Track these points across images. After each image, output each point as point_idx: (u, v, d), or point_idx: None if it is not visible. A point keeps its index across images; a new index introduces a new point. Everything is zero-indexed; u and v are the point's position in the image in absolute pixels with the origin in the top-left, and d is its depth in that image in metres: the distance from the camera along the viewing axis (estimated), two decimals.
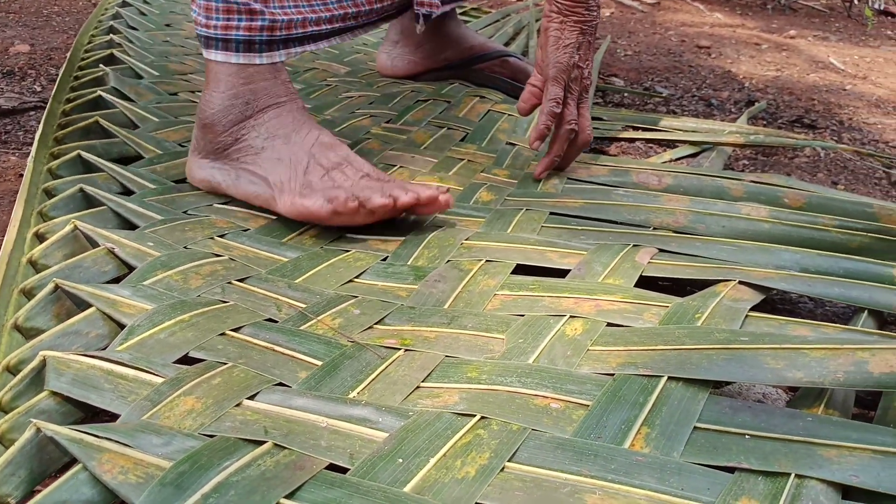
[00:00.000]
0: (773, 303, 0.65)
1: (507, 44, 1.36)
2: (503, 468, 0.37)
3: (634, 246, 0.62)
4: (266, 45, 0.67)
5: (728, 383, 0.50)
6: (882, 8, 2.65)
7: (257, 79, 0.67)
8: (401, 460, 0.37)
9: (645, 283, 0.57)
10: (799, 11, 2.29)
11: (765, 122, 1.10)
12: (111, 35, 1.18)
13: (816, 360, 0.43)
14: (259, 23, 0.67)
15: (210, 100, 0.68)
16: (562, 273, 0.59)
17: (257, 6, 0.66)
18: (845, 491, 0.37)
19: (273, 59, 0.68)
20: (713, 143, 0.93)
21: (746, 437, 0.40)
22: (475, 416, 0.40)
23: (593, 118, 0.99)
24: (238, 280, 0.55)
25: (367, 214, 0.62)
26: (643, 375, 0.44)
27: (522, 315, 0.52)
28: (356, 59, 1.22)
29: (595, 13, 0.75)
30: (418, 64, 1.10)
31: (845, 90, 1.35)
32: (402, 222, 0.67)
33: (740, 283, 0.56)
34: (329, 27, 0.75)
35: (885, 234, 0.67)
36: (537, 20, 1.50)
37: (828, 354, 0.44)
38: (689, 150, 0.92)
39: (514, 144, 0.90)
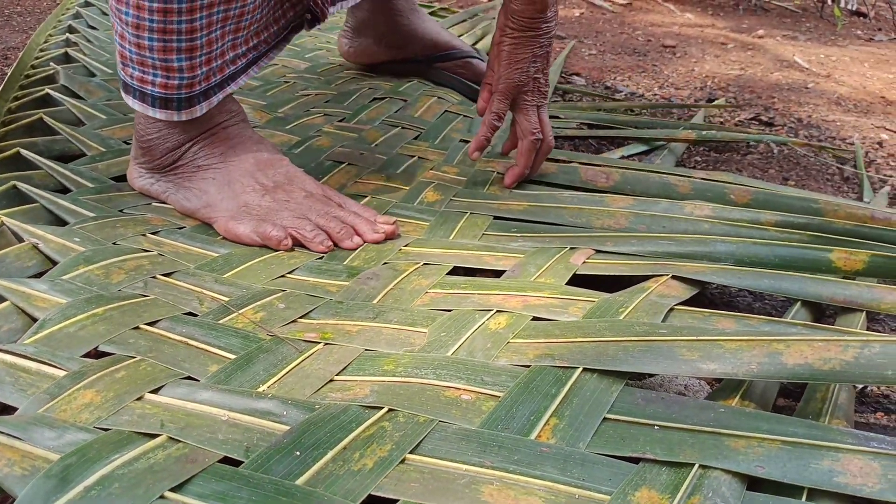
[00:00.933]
0: (712, 297, 0.65)
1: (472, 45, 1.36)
2: (403, 460, 0.36)
3: (571, 248, 0.62)
4: (186, 102, 0.62)
5: (650, 375, 0.50)
6: (855, 8, 2.68)
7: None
8: (298, 453, 0.36)
9: (582, 281, 0.57)
10: (771, 12, 2.31)
11: (722, 120, 1.10)
12: (68, 34, 1.17)
13: (731, 352, 0.43)
14: (176, 81, 0.61)
15: (146, 124, 0.64)
16: (498, 275, 0.59)
17: (176, 63, 0.60)
18: (753, 481, 0.37)
19: (193, 115, 0.63)
20: (665, 140, 0.93)
21: (656, 427, 0.40)
22: (382, 408, 0.40)
23: (550, 116, 0.99)
24: (163, 275, 0.54)
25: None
26: (558, 367, 0.44)
27: (450, 310, 0.52)
28: (317, 56, 1.22)
29: (552, 25, 0.73)
30: (380, 54, 1.08)
31: (807, 88, 1.36)
32: None
33: (673, 277, 0.56)
34: (245, 60, 0.69)
35: (825, 230, 0.67)
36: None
37: (742, 346, 0.44)
38: (641, 147, 0.93)
39: (467, 141, 0.90)
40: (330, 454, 0.36)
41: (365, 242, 0.63)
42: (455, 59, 1.09)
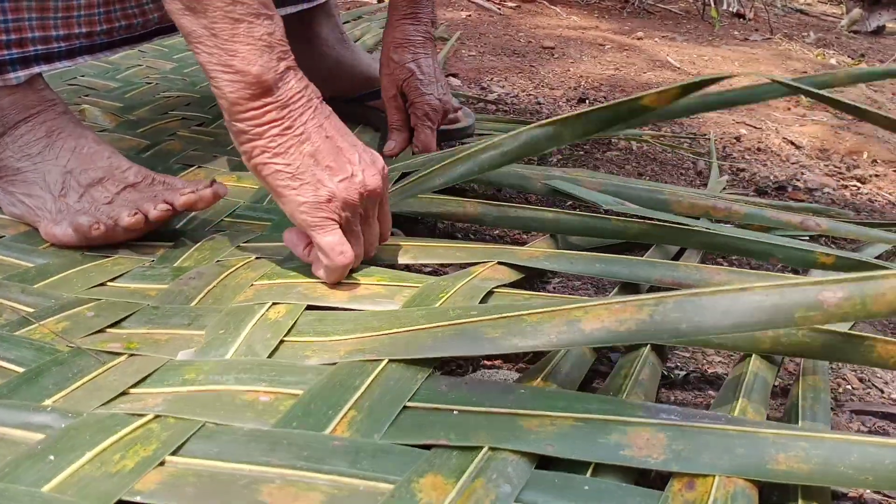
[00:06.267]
0: (552, 293, 0.66)
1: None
2: (172, 462, 0.35)
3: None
4: None
5: (474, 370, 0.51)
6: (735, 10, 2.82)
7: (2, 94, 0.61)
8: (52, 458, 0.34)
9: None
10: (654, 15, 2.40)
11: None
12: None
13: (532, 325, 0.43)
14: None
15: None
16: None
17: None
18: (547, 460, 0.38)
19: (7, 82, 0.60)
20: None
21: (454, 412, 0.40)
22: (168, 417, 0.38)
23: None
24: None
25: (125, 231, 0.59)
26: (366, 361, 0.44)
27: (271, 303, 0.50)
28: (186, 57, 1.18)
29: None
30: None
31: None
32: (185, 228, 0.65)
33: (499, 263, 0.57)
34: (86, 42, 0.67)
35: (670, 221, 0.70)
36: (382, 28, 1.49)
37: (544, 318, 0.43)
38: None
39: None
40: (87, 457, 0.35)
41: (174, 208, 0.59)
42: None
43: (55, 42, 0.64)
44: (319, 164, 0.51)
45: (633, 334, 0.41)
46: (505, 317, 0.45)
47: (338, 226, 0.51)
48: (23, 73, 0.61)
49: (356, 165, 0.52)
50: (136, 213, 0.58)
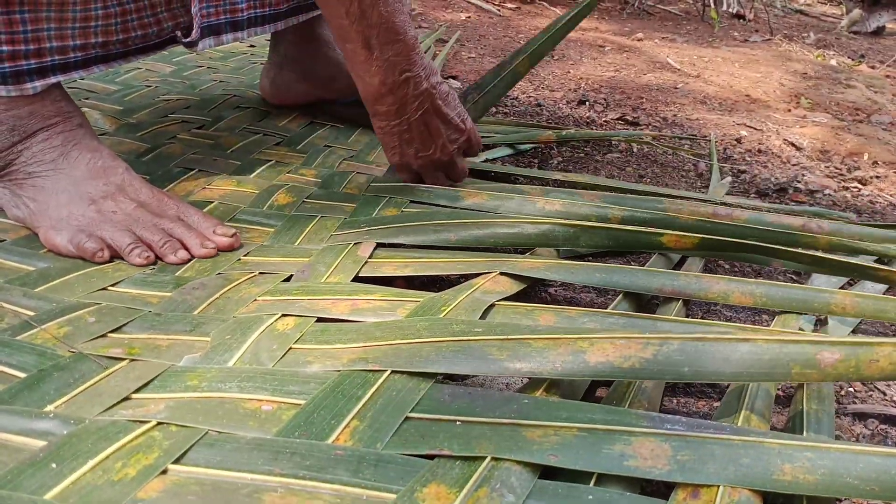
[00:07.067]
0: (554, 295, 0.66)
1: None
2: (174, 471, 0.35)
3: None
4: (12, 78, 0.60)
5: (473, 376, 0.50)
6: (735, 11, 2.82)
7: (20, 103, 0.61)
8: (54, 465, 0.34)
9: (421, 282, 0.56)
10: (654, 16, 2.40)
11: (589, 120, 1.14)
12: None
13: (538, 351, 0.44)
14: None
15: None
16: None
17: None
18: (550, 470, 0.38)
19: (24, 92, 0.61)
20: (528, 143, 0.95)
21: (457, 423, 0.40)
22: (171, 425, 0.38)
23: None
24: None
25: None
26: (368, 370, 0.43)
27: (276, 315, 0.50)
28: (185, 60, 1.18)
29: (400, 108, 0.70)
30: (307, 93, 0.97)
31: (677, 88, 1.41)
32: None
33: (501, 274, 0.56)
34: (101, 52, 0.68)
35: (669, 225, 0.69)
36: None
37: (549, 345, 0.44)
38: (507, 151, 0.94)
39: (329, 146, 0.89)
40: (89, 464, 0.34)
41: (193, 257, 0.61)
42: None
43: (72, 52, 0.64)
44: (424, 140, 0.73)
45: (637, 372, 0.42)
46: (510, 339, 0.45)
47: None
48: (39, 83, 0.62)
49: (439, 146, 0.74)
50: (149, 257, 0.59)
